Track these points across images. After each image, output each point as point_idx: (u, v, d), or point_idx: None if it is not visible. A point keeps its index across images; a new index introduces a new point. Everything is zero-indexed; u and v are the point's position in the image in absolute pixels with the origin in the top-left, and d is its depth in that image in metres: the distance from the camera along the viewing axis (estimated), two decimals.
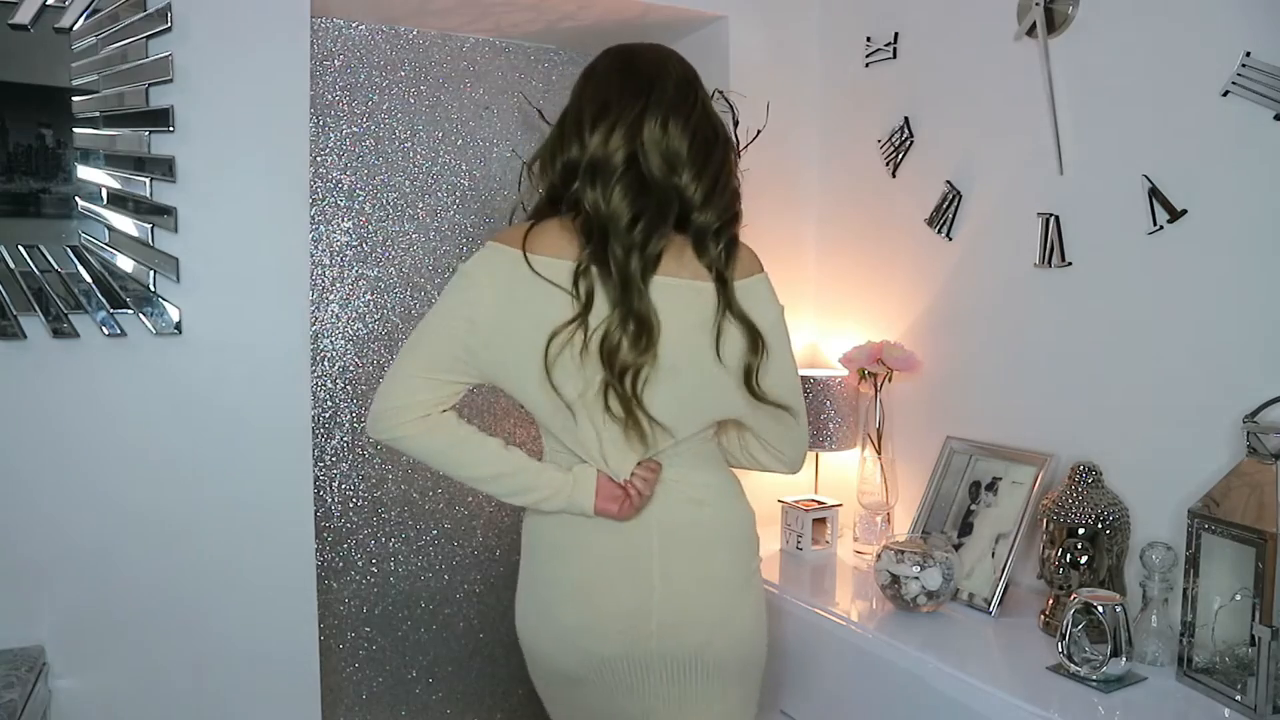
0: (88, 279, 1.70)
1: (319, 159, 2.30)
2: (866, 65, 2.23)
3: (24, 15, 1.62)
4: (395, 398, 1.27)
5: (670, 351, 1.25)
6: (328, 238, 2.33)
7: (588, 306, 1.22)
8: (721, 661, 1.36)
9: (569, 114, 1.32)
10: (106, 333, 1.73)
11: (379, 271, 2.38)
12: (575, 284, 1.22)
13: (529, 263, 1.24)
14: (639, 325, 1.22)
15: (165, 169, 1.74)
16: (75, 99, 1.68)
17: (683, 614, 1.32)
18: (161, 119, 1.73)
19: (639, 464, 1.31)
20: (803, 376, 2.13)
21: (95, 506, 1.74)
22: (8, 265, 1.65)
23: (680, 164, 1.25)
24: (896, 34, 2.14)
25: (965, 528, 1.84)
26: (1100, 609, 1.39)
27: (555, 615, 1.34)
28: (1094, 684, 1.39)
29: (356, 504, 2.37)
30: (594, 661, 1.32)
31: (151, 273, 1.75)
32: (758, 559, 1.44)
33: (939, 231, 2.03)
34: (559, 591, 1.35)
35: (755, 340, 1.27)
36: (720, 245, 1.27)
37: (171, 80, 1.73)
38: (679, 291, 1.26)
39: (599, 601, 1.32)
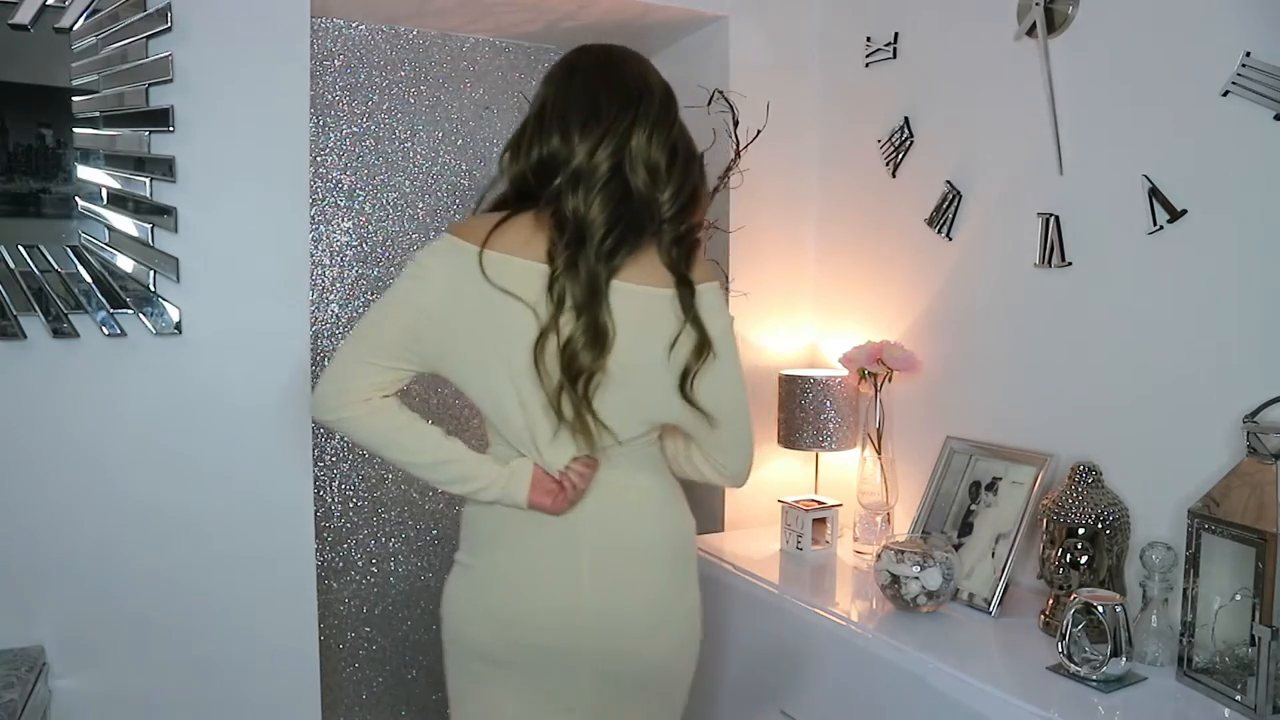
0: (88, 279, 1.71)
1: (319, 159, 2.30)
2: (866, 65, 2.23)
3: (24, 15, 1.62)
4: (337, 380, 1.29)
5: (622, 356, 1.26)
6: (328, 238, 2.33)
7: (558, 311, 1.24)
8: (646, 670, 1.37)
9: (549, 107, 1.31)
10: (106, 333, 1.73)
11: (379, 271, 2.38)
12: (550, 288, 1.24)
13: (482, 264, 1.25)
14: (596, 332, 1.24)
15: (165, 169, 1.74)
16: (75, 99, 1.68)
17: (610, 617, 1.32)
18: (161, 119, 1.73)
19: (575, 459, 1.31)
20: (802, 376, 2.16)
21: (95, 506, 1.74)
22: (8, 265, 1.65)
23: (661, 178, 1.28)
24: (896, 34, 2.14)
25: (965, 528, 1.84)
26: (1100, 609, 1.39)
27: (489, 601, 1.34)
28: (1094, 684, 1.39)
29: (356, 504, 2.37)
30: (521, 647, 1.33)
31: (151, 273, 1.75)
32: (694, 569, 1.43)
33: (939, 231, 2.03)
34: (493, 578, 1.35)
35: (702, 346, 1.29)
36: (682, 249, 1.29)
37: (171, 80, 1.73)
38: (636, 298, 1.27)
39: (531, 592, 1.33)
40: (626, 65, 1.34)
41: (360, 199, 2.36)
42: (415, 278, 1.29)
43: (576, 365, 1.24)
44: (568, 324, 1.24)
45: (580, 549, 1.33)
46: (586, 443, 1.30)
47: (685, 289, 1.28)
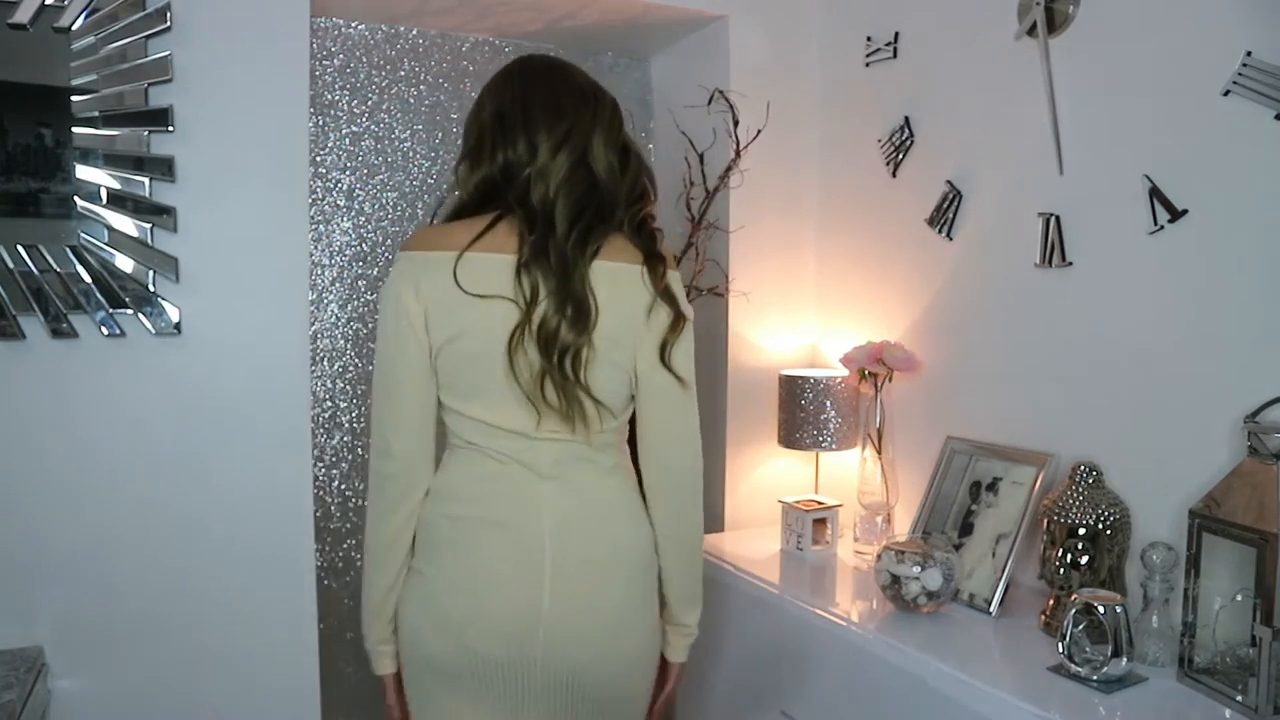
0: (87, 279, 1.70)
1: (319, 159, 2.29)
2: (866, 65, 2.23)
3: (23, 15, 1.62)
4: (390, 463, 1.33)
5: (603, 332, 1.29)
6: (328, 238, 2.33)
7: (533, 301, 1.25)
8: (603, 685, 1.34)
9: (510, 112, 1.32)
10: (106, 333, 1.72)
11: (379, 271, 2.38)
12: (518, 277, 1.26)
13: (456, 273, 1.26)
14: (577, 307, 1.26)
15: (164, 169, 1.74)
16: (74, 98, 1.68)
17: (569, 629, 1.30)
18: (161, 119, 1.73)
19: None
20: (803, 376, 2.16)
21: (94, 506, 1.74)
22: (7, 265, 1.65)
23: (617, 171, 1.34)
24: (897, 34, 2.14)
25: (966, 528, 1.84)
26: (1101, 609, 1.39)
27: (443, 607, 1.31)
28: (1095, 684, 1.39)
29: (356, 504, 2.37)
30: (475, 660, 1.30)
31: (151, 273, 1.75)
32: (655, 584, 1.41)
33: (939, 231, 2.03)
34: (448, 584, 1.32)
35: (678, 319, 1.34)
36: (644, 234, 1.36)
37: (171, 80, 1.73)
38: (607, 272, 1.30)
39: (488, 600, 1.30)
40: (578, 72, 1.40)
41: (360, 199, 2.35)
42: (395, 315, 1.29)
43: (559, 344, 1.26)
44: (542, 310, 1.26)
45: (543, 558, 1.30)
46: (581, 422, 1.30)
47: (654, 261, 1.33)
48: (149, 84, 1.72)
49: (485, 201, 1.32)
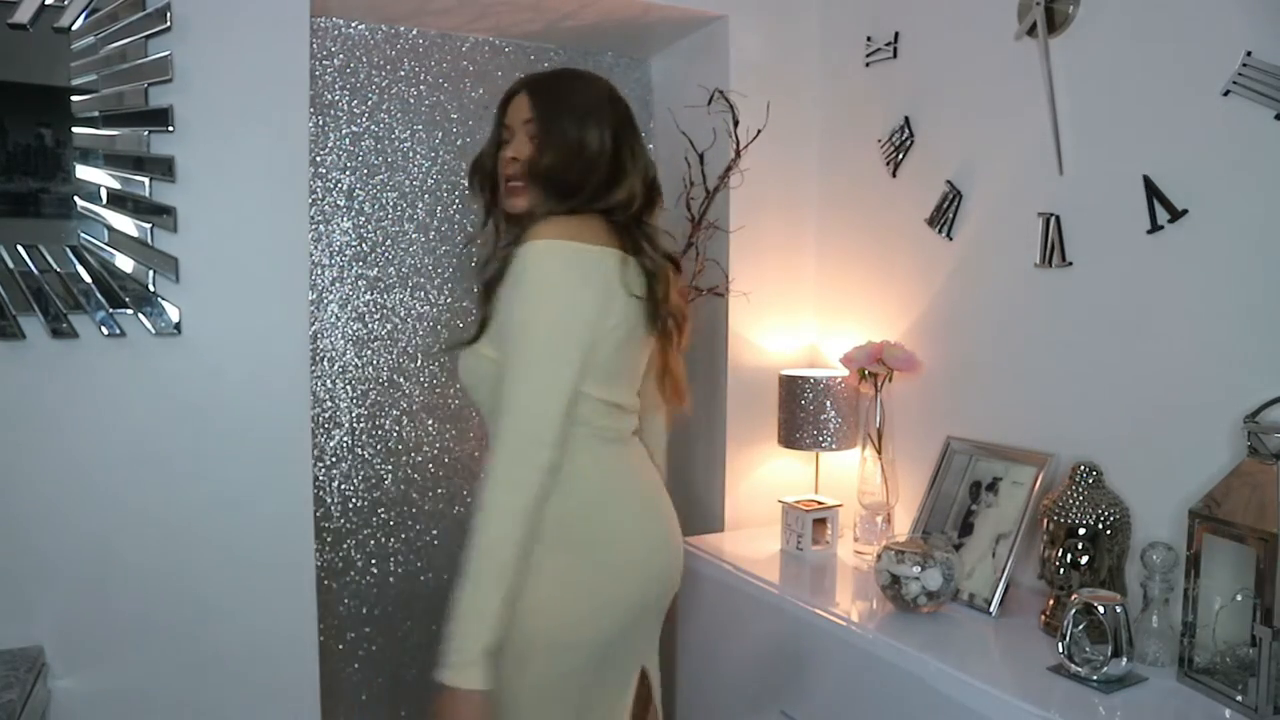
0: (87, 279, 1.70)
1: (319, 159, 2.29)
2: (866, 65, 2.23)
3: (23, 15, 1.62)
4: (549, 453, 1.30)
5: None
6: (328, 238, 2.33)
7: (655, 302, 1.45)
8: (665, 605, 1.56)
9: (627, 145, 1.46)
10: (106, 333, 1.72)
11: (379, 271, 2.38)
12: (650, 285, 1.42)
13: (620, 271, 1.40)
14: (671, 316, 1.51)
15: (164, 169, 1.74)
16: (74, 98, 1.68)
17: (679, 565, 1.53)
18: (161, 118, 1.73)
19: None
20: (803, 377, 2.17)
21: (94, 507, 1.74)
22: (7, 265, 1.65)
23: None
24: (897, 34, 2.14)
25: (966, 528, 1.84)
26: (1101, 609, 1.39)
27: (614, 595, 1.42)
28: (1094, 684, 1.39)
29: (356, 504, 2.37)
30: (643, 613, 1.47)
31: (151, 273, 1.75)
32: None
33: (939, 231, 2.03)
34: (624, 564, 1.44)
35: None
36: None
37: (171, 80, 1.73)
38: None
39: (653, 560, 1.47)
40: None
41: (360, 199, 2.35)
42: (570, 305, 1.33)
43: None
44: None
45: (663, 512, 1.51)
46: (675, 409, 1.63)
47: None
48: (149, 84, 1.72)
49: (629, 203, 1.45)
